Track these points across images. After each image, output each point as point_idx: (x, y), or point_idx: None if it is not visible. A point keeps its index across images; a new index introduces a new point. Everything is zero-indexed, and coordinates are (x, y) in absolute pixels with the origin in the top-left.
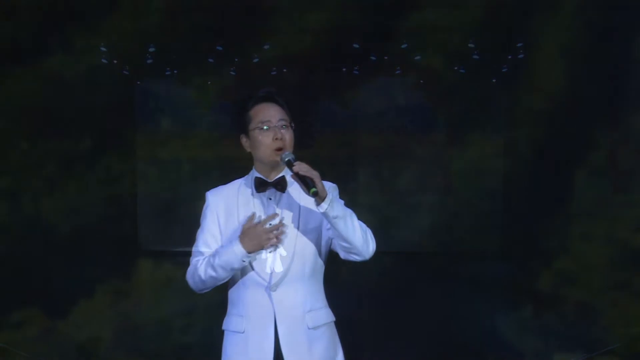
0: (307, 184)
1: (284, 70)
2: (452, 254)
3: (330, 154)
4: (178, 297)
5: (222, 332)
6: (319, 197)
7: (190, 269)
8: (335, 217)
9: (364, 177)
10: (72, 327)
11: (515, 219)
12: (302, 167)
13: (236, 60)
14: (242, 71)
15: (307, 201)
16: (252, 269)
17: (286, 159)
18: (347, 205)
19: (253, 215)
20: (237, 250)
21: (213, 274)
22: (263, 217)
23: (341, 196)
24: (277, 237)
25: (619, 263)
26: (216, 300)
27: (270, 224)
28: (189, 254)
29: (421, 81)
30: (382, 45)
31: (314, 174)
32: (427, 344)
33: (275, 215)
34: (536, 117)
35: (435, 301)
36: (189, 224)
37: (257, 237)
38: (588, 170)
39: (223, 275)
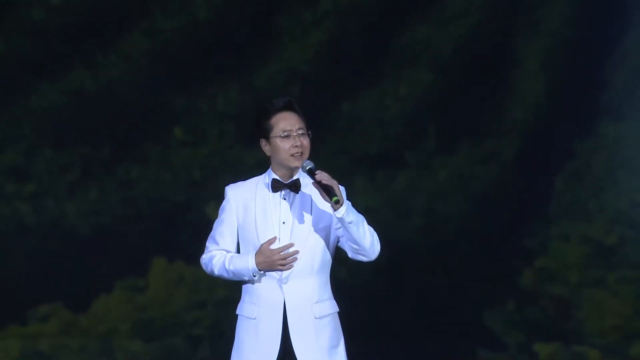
0: (328, 192)
1: (285, 81)
2: (442, 253)
3: (328, 159)
4: (189, 293)
5: (230, 325)
6: (338, 204)
7: (205, 257)
8: (350, 222)
9: (360, 181)
10: (92, 320)
11: (500, 221)
12: (323, 176)
13: (241, 72)
14: (246, 83)
15: (319, 201)
16: None
17: (307, 167)
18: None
19: (274, 239)
20: (250, 265)
21: (225, 275)
22: (278, 216)
23: None
24: (288, 265)
25: (594, 261)
26: (224, 295)
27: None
28: (198, 254)
29: (413, 92)
30: (377, 58)
31: (333, 183)
32: (418, 335)
33: (291, 244)
34: (519, 127)
35: (426, 296)
36: (199, 225)
37: (271, 260)
38: (566, 176)
39: (232, 279)
